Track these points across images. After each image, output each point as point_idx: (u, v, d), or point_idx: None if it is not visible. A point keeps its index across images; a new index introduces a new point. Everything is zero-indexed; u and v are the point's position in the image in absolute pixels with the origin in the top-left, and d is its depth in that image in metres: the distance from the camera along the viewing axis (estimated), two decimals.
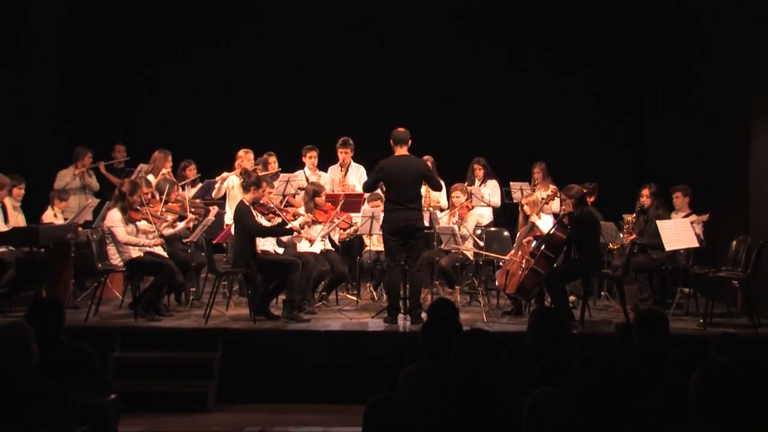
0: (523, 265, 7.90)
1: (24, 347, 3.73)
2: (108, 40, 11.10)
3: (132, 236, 7.70)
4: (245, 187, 8.03)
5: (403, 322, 7.57)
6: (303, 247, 8.30)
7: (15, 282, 8.06)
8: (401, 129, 7.71)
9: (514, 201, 9.21)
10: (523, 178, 9.41)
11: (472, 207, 9.03)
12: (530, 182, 9.39)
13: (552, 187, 8.89)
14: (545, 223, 8.34)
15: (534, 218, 8.30)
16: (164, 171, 8.81)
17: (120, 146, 10.25)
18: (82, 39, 10.88)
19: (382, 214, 8.06)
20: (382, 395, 3.37)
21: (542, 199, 8.58)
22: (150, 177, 8.81)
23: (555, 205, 8.72)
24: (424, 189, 8.71)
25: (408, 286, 7.65)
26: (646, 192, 8.60)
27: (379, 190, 8.93)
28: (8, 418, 3.45)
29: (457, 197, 8.85)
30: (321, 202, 8.38)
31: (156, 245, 7.83)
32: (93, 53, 11.05)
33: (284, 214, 8.09)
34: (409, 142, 7.68)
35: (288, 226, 7.89)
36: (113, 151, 10.21)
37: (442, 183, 8.22)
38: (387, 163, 7.62)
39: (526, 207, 8.38)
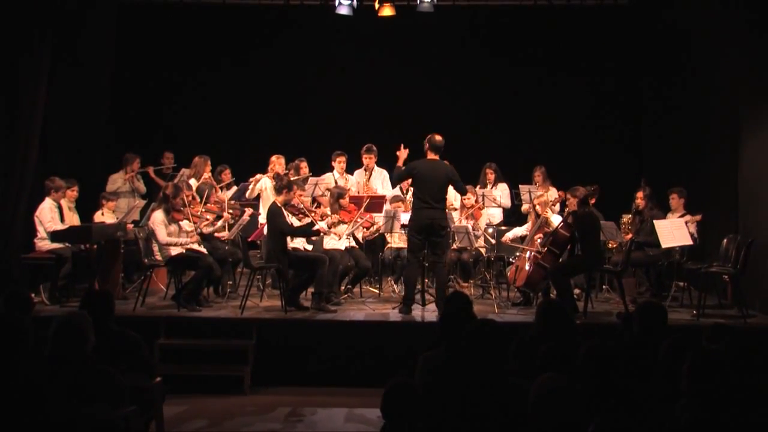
0: (532, 261, 7.90)
1: (83, 335, 3.81)
2: (154, 55, 11.14)
3: (172, 237, 7.74)
4: (278, 190, 8.00)
5: (421, 312, 7.59)
6: (330, 244, 8.33)
7: (71, 275, 8.15)
8: (439, 137, 7.66)
9: (523, 203, 9.19)
10: (526, 181, 9.39)
11: (483, 207, 9.04)
12: (532, 184, 9.36)
13: (559, 192, 8.88)
14: (557, 219, 8.32)
15: (548, 213, 8.29)
16: (206, 175, 8.87)
17: (168, 153, 10.32)
18: (132, 55, 10.94)
19: (402, 214, 8.07)
20: (397, 380, 3.41)
21: (551, 200, 8.58)
22: (192, 181, 8.86)
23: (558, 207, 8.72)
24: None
25: (434, 281, 7.69)
26: (640, 194, 8.66)
27: (399, 193, 8.98)
28: (68, 396, 3.51)
29: (467, 198, 8.83)
30: (345, 203, 8.35)
31: (193, 242, 7.86)
32: (140, 67, 11.10)
33: (313, 214, 8.11)
34: (442, 150, 7.68)
35: (315, 227, 7.88)
36: (162, 157, 10.27)
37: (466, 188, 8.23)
38: (419, 164, 7.61)
39: (538, 207, 8.37)
